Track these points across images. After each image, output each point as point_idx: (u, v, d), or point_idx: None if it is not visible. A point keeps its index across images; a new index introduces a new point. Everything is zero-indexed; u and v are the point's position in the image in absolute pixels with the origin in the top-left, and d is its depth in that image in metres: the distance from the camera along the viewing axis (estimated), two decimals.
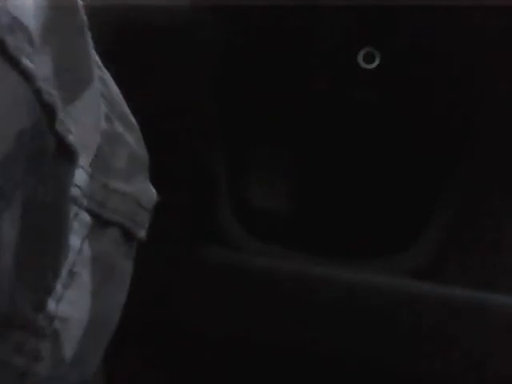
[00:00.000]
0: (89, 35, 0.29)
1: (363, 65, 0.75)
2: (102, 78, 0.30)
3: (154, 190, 0.32)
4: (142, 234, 0.31)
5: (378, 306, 0.74)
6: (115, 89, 0.31)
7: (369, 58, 0.75)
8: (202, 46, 0.76)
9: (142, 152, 0.32)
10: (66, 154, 0.26)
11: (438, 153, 0.76)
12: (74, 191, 0.27)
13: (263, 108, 0.79)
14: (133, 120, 0.32)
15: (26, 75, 0.23)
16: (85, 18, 0.28)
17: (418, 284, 0.74)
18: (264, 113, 0.79)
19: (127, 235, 0.30)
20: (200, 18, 0.76)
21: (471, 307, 0.72)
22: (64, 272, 0.27)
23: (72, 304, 0.28)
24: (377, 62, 0.74)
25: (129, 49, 0.75)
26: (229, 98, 0.79)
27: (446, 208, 0.76)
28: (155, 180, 0.33)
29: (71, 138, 0.26)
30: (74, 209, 0.27)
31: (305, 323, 0.75)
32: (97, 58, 0.30)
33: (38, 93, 0.24)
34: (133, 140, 0.31)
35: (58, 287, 0.27)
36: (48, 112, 0.24)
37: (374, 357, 0.75)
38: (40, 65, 0.24)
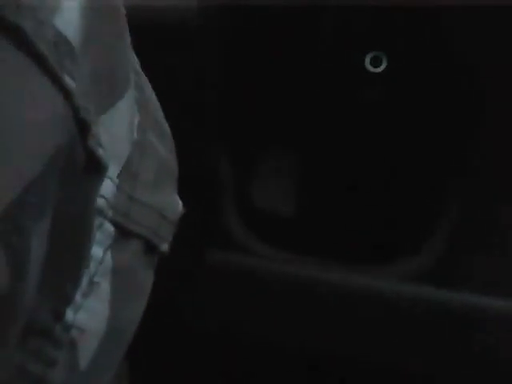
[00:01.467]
0: (129, 40, 0.29)
1: (370, 68, 0.75)
2: (139, 84, 0.30)
3: (180, 202, 0.32)
4: (164, 247, 0.31)
5: (382, 310, 0.74)
6: (151, 94, 0.31)
7: (376, 62, 0.74)
8: (208, 45, 0.76)
9: (172, 163, 0.31)
10: (95, 167, 0.25)
11: (443, 156, 0.76)
12: (100, 202, 0.27)
13: (269, 111, 0.78)
14: (166, 128, 0.31)
15: (65, 92, 0.23)
16: (126, 23, 0.28)
17: (423, 288, 0.74)
18: (270, 116, 0.79)
19: (149, 247, 0.30)
20: (205, 18, 0.75)
21: (477, 312, 0.72)
22: (84, 282, 0.27)
23: (90, 313, 0.28)
24: (384, 66, 0.74)
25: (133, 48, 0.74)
26: (235, 99, 0.78)
27: (451, 213, 0.76)
28: None
29: (101, 152, 0.25)
30: (98, 219, 0.27)
31: (311, 325, 0.75)
32: (136, 62, 0.30)
33: (75, 109, 0.23)
34: (164, 149, 0.31)
35: (77, 297, 0.27)
36: (82, 127, 0.24)
37: (379, 359, 0.75)
38: (79, 78, 0.24)
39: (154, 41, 0.76)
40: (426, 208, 0.77)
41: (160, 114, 0.31)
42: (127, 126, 0.28)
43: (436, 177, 0.77)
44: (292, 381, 0.78)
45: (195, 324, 0.77)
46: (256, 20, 0.76)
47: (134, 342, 0.31)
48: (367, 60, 0.74)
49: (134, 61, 0.30)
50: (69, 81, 0.23)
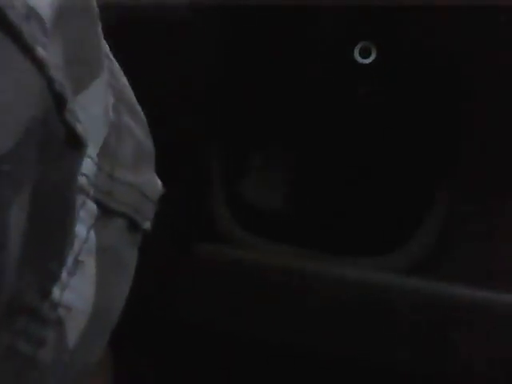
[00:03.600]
0: (100, 26, 0.29)
1: (359, 59, 0.75)
2: (112, 68, 0.30)
3: (159, 182, 0.32)
4: (147, 224, 0.31)
5: (372, 302, 0.74)
6: (124, 80, 0.32)
7: (365, 53, 0.75)
8: (201, 43, 0.76)
9: (148, 144, 0.32)
10: (75, 143, 0.26)
11: (433, 149, 0.76)
12: (82, 180, 0.27)
13: (259, 104, 0.79)
14: (140, 112, 0.32)
15: (39, 64, 0.23)
16: (97, 8, 0.29)
17: (412, 280, 0.74)
18: (259, 107, 0.79)
19: (132, 226, 0.31)
20: (198, 17, 0.76)
21: (465, 304, 0.72)
22: (69, 260, 0.27)
23: (76, 292, 0.28)
24: (373, 57, 0.75)
25: (128, 47, 0.75)
26: (225, 93, 0.79)
27: (440, 205, 0.76)
28: None
29: (80, 128, 0.26)
30: (80, 198, 0.27)
31: (299, 318, 0.75)
32: (107, 48, 0.30)
33: (49, 82, 0.24)
34: (140, 131, 0.31)
35: (64, 275, 0.27)
36: (58, 101, 0.24)
37: (365, 352, 0.75)
38: (52, 54, 0.24)
39: (145, 39, 0.76)
40: (415, 200, 0.77)
41: (134, 100, 0.32)
42: (103, 108, 0.29)
43: (425, 169, 0.77)
44: (280, 374, 0.79)
45: (180, 315, 0.77)
46: (246, 18, 0.76)
47: (119, 333, 0.32)
48: (356, 51, 0.75)
49: (106, 47, 0.30)
50: (42, 52, 0.23)
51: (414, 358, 0.74)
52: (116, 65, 0.31)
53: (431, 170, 0.77)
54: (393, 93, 0.76)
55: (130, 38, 0.75)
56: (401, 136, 0.77)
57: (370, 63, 0.75)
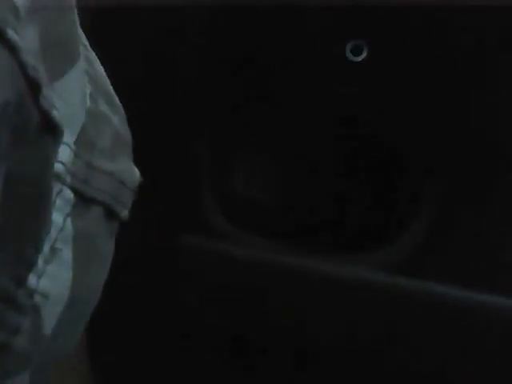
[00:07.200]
0: (76, 14, 0.29)
1: (351, 57, 0.75)
2: (88, 57, 0.30)
3: (137, 171, 0.32)
4: (124, 213, 0.31)
5: (359, 298, 0.74)
6: (100, 69, 0.31)
7: (356, 51, 0.75)
8: (193, 40, 0.77)
9: (125, 132, 0.32)
10: (51, 130, 0.26)
11: (422, 146, 0.77)
12: (58, 167, 0.27)
13: (250, 98, 0.79)
14: (117, 101, 0.32)
15: (10, 47, 0.23)
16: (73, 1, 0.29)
17: (397, 279, 0.74)
18: (250, 103, 0.79)
19: (110, 214, 0.30)
20: (191, 17, 0.76)
21: (449, 303, 0.72)
22: (46, 248, 0.27)
23: (53, 280, 0.28)
24: (364, 55, 0.75)
25: (126, 46, 0.75)
26: (218, 89, 0.79)
27: (428, 204, 0.76)
28: (138, 168, 0.33)
29: (56, 114, 0.26)
30: (57, 185, 0.27)
31: (288, 313, 0.76)
32: (83, 37, 0.30)
33: (22, 66, 0.23)
34: (117, 120, 0.31)
35: (40, 262, 0.27)
36: (32, 86, 0.24)
37: (361, 349, 0.75)
38: (26, 38, 0.24)
39: (146, 40, 0.77)
40: (403, 199, 0.77)
41: (110, 88, 0.32)
42: (80, 95, 0.29)
43: (414, 167, 0.77)
44: (272, 371, 0.79)
45: (168, 309, 0.77)
46: (238, 16, 0.76)
47: (98, 327, 0.32)
48: (348, 49, 0.75)
49: (83, 37, 0.30)
50: (13, 35, 0.23)
51: (411, 357, 0.74)
52: (93, 54, 0.31)
53: (420, 168, 0.77)
54: (382, 91, 0.76)
55: (128, 39, 0.75)
56: (390, 133, 0.77)
57: (362, 61, 0.75)
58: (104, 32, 0.70)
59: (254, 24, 0.76)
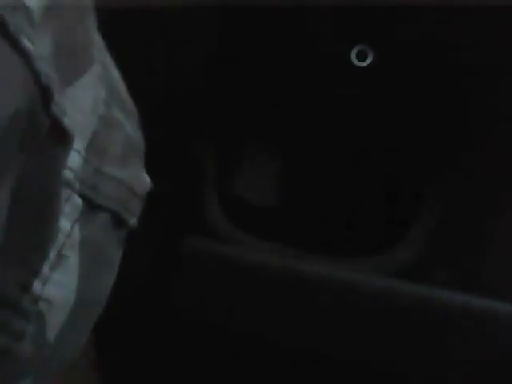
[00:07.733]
0: (92, 18, 0.29)
1: (356, 62, 0.75)
2: (104, 62, 0.30)
3: (148, 178, 0.32)
4: (133, 221, 0.31)
5: (359, 303, 0.74)
6: (116, 74, 0.31)
7: (362, 56, 0.75)
8: (197, 41, 0.76)
9: (138, 139, 0.32)
10: (61, 136, 0.26)
11: (427, 150, 0.77)
12: (67, 174, 0.27)
13: (254, 102, 0.79)
14: (132, 106, 0.32)
15: (24, 55, 0.23)
16: (91, 4, 0.28)
17: (402, 283, 0.74)
18: (255, 107, 0.79)
19: (118, 221, 0.30)
20: (194, 18, 0.76)
21: (455, 308, 0.72)
22: (52, 254, 0.27)
23: (58, 286, 0.28)
24: (369, 60, 0.75)
25: (126, 46, 0.75)
26: (220, 91, 0.79)
27: (430, 209, 0.76)
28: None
29: (66, 121, 0.25)
30: (66, 192, 0.27)
31: (289, 316, 0.76)
32: (100, 41, 0.30)
33: (35, 74, 0.23)
34: (130, 126, 0.31)
35: (45, 269, 0.27)
36: (44, 93, 0.24)
37: (358, 353, 0.75)
38: (39, 45, 0.24)
39: (145, 39, 0.76)
40: (404, 203, 0.77)
41: (125, 94, 0.32)
42: (93, 101, 0.28)
43: (415, 172, 0.77)
44: (273, 371, 0.79)
45: (170, 310, 0.77)
46: (243, 18, 0.76)
47: (104, 327, 0.32)
48: (353, 54, 0.75)
49: (99, 41, 0.30)
50: (27, 43, 0.23)
51: (411, 359, 0.74)
52: (109, 58, 0.31)
53: (421, 173, 0.77)
54: (387, 96, 0.76)
55: (125, 34, 0.75)
56: (392, 138, 0.77)
57: (367, 66, 0.75)
58: (104, 32, 0.70)
59: (262, 26, 0.76)
